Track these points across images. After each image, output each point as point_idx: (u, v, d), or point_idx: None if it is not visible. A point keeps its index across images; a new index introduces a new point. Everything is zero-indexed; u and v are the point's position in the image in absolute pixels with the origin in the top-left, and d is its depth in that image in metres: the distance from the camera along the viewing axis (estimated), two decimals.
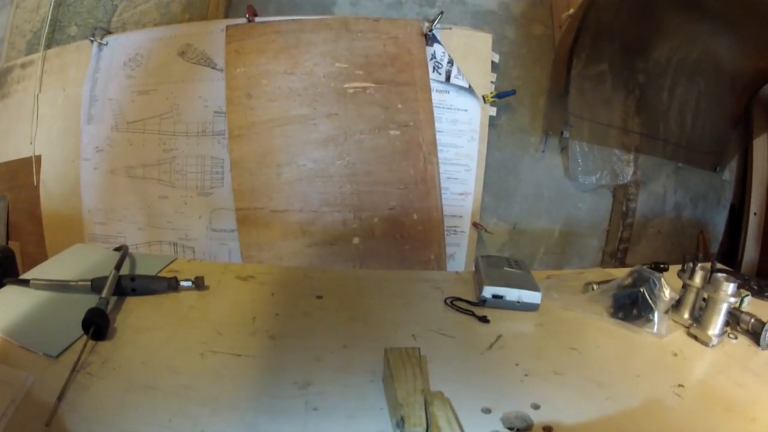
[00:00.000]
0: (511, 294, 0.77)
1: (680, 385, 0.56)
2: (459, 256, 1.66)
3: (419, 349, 0.53)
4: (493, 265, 0.85)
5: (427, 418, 0.42)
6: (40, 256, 1.65)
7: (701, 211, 2.19)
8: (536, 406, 0.50)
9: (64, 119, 1.76)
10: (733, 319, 0.73)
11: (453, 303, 0.78)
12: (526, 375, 0.57)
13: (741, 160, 2.22)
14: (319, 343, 0.63)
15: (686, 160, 2.08)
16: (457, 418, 0.43)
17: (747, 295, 0.75)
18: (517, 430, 0.46)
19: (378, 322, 0.70)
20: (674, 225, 2.10)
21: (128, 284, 0.74)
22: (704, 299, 0.72)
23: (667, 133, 2.03)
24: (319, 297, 0.78)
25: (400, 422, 0.41)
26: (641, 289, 0.74)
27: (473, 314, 0.75)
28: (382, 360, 0.56)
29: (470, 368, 0.58)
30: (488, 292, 0.77)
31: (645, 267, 0.82)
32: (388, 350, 0.52)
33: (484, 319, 0.73)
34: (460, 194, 1.64)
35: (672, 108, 2.03)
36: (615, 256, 1.92)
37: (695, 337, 0.70)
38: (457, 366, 0.51)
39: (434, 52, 1.58)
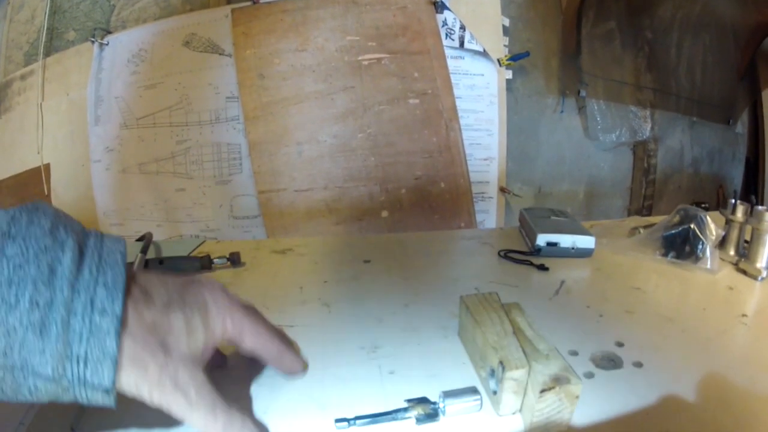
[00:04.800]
0: (566, 240, 0.73)
1: (744, 315, 0.57)
2: (488, 222, 1.62)
3: (497, 293, 0.50)
4: (540, 215, 0.83)
5: (527, 360, 0.37)
6: None
7: (718, 166, 2.18)
8: (620, 344, 0.49)
9: (69, 124, 1.72)
10: None
11: (507, 255, 0.75)
12: (600, 316, 0.55)
13: (752, 114, 2.23)
14: (377, 305, 0.58)
15: (699, 114, 2.08)
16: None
17: None
18: (606, 369, 0.44)
19: (434, 279, 0.66)
20: (693, 180, 2.08)
21: (156, 267, 0.64)
22: (746, 241, 0.72)
23: (679, 88, 2.02)
24: (367, 261, 0.73)
25: (500, 367, 0.37)
26: (691, 226, 0.73)
27: (531, 263, 0.72)
28: (450, 315, 0.53)
29: (544, 313, 0.56)
30: (542, 240, 0.73)
31: (689, 206, 0.81)
32: (465, 297, 0.48)
33: (542, 267, 0.70)
34: (485, 159, 1.61)
35: (681, 63, 2.03)
36: (640, 214, 1.89)
37: (744, 272, 0.69)
38: (530, 312, 0.49)
39: (445, 19, 1.55)
